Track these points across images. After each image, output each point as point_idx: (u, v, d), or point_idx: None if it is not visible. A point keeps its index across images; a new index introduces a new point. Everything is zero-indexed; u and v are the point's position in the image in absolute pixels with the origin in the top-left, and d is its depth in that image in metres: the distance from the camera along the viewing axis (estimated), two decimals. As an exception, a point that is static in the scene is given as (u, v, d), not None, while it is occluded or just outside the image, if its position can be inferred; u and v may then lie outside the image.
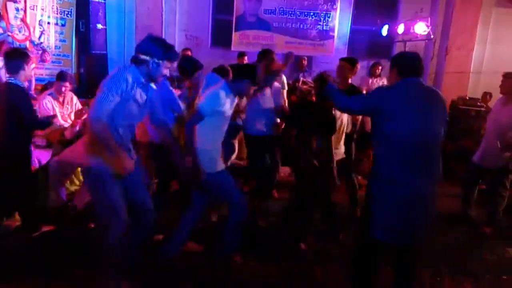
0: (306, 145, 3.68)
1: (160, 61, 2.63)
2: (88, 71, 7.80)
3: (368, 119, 6.69)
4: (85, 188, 4.15)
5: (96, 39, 7.92)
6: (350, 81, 4.39)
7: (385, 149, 2.53)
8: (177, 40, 8.59)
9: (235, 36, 8.51)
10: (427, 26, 7.41)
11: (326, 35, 8.69)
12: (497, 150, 4.22)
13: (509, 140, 4.14)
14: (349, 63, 4.34)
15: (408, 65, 2.59)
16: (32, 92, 5.63)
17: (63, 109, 4.64)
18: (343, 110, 3.39)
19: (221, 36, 8.82)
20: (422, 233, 2.62)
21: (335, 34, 8.74)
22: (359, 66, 4.39)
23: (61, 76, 4.56)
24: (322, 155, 3.72)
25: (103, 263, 2.69)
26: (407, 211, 2.51)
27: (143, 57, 2.62)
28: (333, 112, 3.78)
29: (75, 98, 4.79)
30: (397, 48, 8.64)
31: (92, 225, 3.88)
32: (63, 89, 4.53)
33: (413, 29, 7.50)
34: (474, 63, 8.05)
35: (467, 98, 7.07)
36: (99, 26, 7.97)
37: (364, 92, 6.87)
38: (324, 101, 3.56)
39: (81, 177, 4.53)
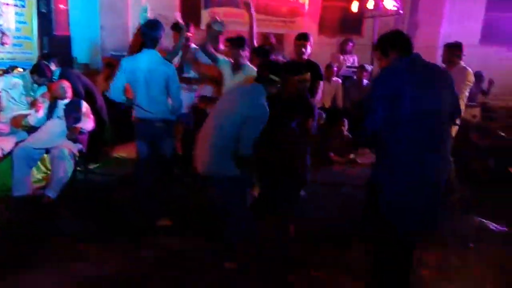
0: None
1: None
2: (52, 52, 7.50)
3: (340, 95, 6.79)
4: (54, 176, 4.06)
5: (59, 20, 7.61)
6: (306, 56, 4.34)
7: (402, 131, 2.37)
8: (144, 20, 8.32)
9: (204, 14, 8.31)
10: (396, 1, 7.43)
11: (296, 12, 8.59)
12: None
13: None
14: (303, 39, 4.28)
15: (408, 42, 2.53)
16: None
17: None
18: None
19: (190, 14, 8.59)
20: (436, 217, 2.60)
21: (306, 11, 8.64)
22: (312, 39, 4.34)
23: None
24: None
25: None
26: (428, 193, 2.45)
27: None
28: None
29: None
30: (367, 24, 8.65)
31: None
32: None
33: (383, 4, 7.51)
34: (442, 39, 8.15)
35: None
36: (61, 6, 7.66)
37: (335, 68, 6.94)
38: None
39: (48, 164, 4.40)
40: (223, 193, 3.07)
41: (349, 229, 3.63)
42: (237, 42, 4.01)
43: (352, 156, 6.19)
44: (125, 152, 5.37)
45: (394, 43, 2.54)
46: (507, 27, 8.93)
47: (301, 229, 3.73)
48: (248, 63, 4.06)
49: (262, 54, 4.18)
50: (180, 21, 4.42)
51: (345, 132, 6.22)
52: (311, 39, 4.34)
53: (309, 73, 3.71)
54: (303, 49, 4.25)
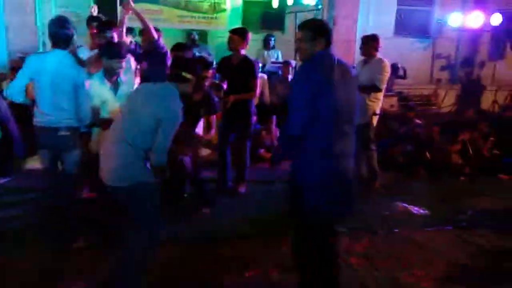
0: None
1: None
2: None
3: (267, 92, 6.81)
4: None
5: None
6: (243, 52, 4.32)
7: (322, 124, 2.34)
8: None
9: (121, 10, 7.89)
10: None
11: (218, 8, 8.49)
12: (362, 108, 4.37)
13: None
14: (238, 34, 4.26)
15: (331, 34, 2.51)
16: None
17: None
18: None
19: (105, 11, 8.12)
20: (354, 203, 2.61)
21: (228, 7, 8.58)
22: (249, 35, 4.33)
23: None
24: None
25: None
26: (346, 182, 2.48)
27: None
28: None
29: None
30: (288, 19, 8.78)
31: None
32: None
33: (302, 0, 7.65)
34: (359, 33, 8.50)
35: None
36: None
37: (260, 64, 6.95)
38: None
39: None
40: (133, 202, 2.68)
41: (280, 226, 3.61)
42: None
43: (281, 151, 6.22)
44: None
45: (324, 31, 2.48)
46: (418, 20, 9.55)
47: (233, 228, 3.70)
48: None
49: (175, 49, 4.08)
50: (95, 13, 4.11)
51: (273, 128, 6.25)
52: (247, 34, 4.30)
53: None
54: (232, 43, 4.22)
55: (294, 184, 2.54)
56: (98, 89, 3.39)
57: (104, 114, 3.41)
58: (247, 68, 4.29)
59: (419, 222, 4.08)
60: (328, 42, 2.46)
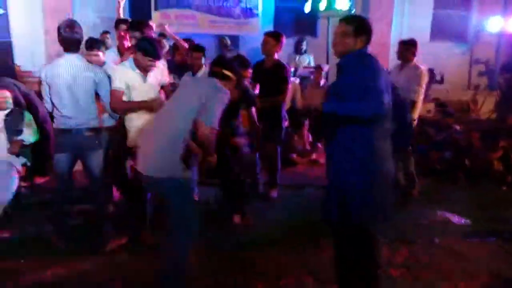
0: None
1: None
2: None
3: (298, 96, 6.74)
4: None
5: (-2, 25, 7.14)
6: (276, 56, 4.28)
7: (368, 126, 2.27)
8: (91, 23, 7.93)
9: (155, 15, 8.03)
10: (348, 0, 7.49)
11: (250, 13, 8.49)
12: None
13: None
14: (273, 37, 4.22)
15: (371, 33, 2.41)
16: None
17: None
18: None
19: (140, 16, 8.27)
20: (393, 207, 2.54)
21: (260, 12, 8.56)
22: (284, 39, 4.28)
23: None
24: None
25: None
26: (390, 185, 2.43)
27: None
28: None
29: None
30: (321, 24, 8.68)
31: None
32: None
33: (335, 4, 7.54)
34: (393, 36, 8.32)
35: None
36: (1, 10, 7.18)
37: (292, 69, 6.88)
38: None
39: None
40: (172, 194, 2.68)
41: (313, 232, 3.52)
42: None
43: (314, 156, 6.14)
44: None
45: (367, 29, 2.39)
46: (455, 24, 9.27)
47: (265, 233, 3.64)
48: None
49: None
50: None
51: (306, 133, 6.17)
52: (281, 38, 4.27)
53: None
54: (266, 46, 4.19)
55: (334, 186, 2.42)
56: (126, 73, 3.28)
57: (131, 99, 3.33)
58: (279, 72, 4.25)
59: (459, 232, 3.89)
60: (368, 41, 2.38)
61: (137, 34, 3.88)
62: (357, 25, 2.37)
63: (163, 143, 2.60)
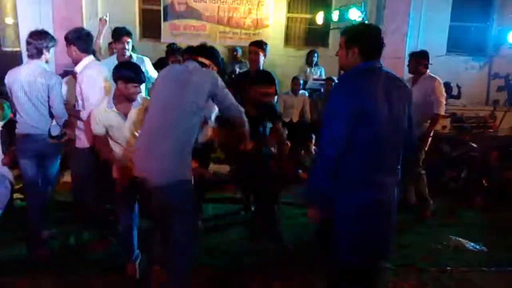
0: None
1: None
2: (0, 70, 7.00)
3: (308, 108, 6.55)
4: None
5: (7, 35, 7.15)
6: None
7: (359, 153, 2.02)
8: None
9: (164, 26, 7.97)
10: (361, 12, 7.31)
11: (261, 24, 8.37)
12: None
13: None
14: (257, 46, 4.04)
15: (374, 43, 2.09)
16: None
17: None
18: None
19: (149, 27, 8.25)
20: (390, 244, 2.24)
21: (270, 22, 8.44)
22: (267, 48, 4.09)
23: None
24: None
25: None
26: (383, 218, 2.13)
27: None
28: None
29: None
30: (333, 36, 8.51)
31: None
32: None
33: (347, 15, 7.37)
34: (409, 49, 8.09)
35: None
36: (10, 20, 7.20)
37: (301, 81, 6.70)
38: None
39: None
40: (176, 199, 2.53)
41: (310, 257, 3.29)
42: None
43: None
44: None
45: (359, 38, 2.08)
46: (473, 37, 9.00)
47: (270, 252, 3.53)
48: None
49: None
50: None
51: (313, 148, 5.95)
52: (267, 48, 4.06)
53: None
54: (252, 56, 4.00)
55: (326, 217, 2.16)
56: (104, 115, 2.95)
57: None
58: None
59: (474, 260, 3.62)
60: (364, 52, 2.06)
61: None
62: (348, 35, 2.12)
63: (173, 145, 2.47)
